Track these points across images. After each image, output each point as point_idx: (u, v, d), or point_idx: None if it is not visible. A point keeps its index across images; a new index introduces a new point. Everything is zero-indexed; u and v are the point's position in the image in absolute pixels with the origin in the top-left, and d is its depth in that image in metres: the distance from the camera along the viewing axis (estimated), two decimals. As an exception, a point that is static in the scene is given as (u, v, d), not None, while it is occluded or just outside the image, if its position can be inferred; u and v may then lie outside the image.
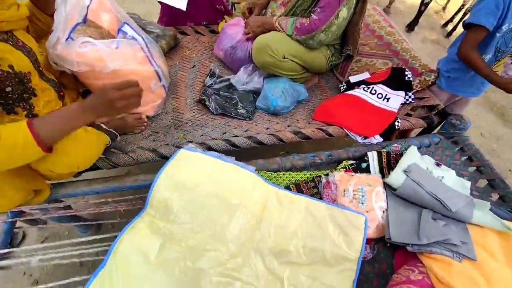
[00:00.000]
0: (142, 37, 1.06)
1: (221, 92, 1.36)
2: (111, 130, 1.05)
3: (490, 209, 0.95)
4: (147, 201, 0.85)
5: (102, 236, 0.87)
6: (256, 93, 1.38)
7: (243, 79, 1.38)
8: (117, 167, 1.04)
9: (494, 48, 1.20)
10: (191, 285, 0.76)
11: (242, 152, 1.15)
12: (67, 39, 0.91)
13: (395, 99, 1.30)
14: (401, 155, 1.11)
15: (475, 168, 1.16)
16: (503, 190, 1.07)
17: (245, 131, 1.22)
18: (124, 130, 1.14)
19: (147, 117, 1.21)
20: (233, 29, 1.43)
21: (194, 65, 1.53)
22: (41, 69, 0.86)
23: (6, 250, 0.79)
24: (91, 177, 1.02)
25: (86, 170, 1.03)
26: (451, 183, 1.05)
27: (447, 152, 1.21)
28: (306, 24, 1.20)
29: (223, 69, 1.49)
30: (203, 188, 0.89)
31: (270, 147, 1.25)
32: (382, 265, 0.93)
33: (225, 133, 1.20)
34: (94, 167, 1.02)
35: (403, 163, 1.06)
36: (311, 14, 1.21)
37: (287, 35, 1.24)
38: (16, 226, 0.93)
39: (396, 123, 1.23)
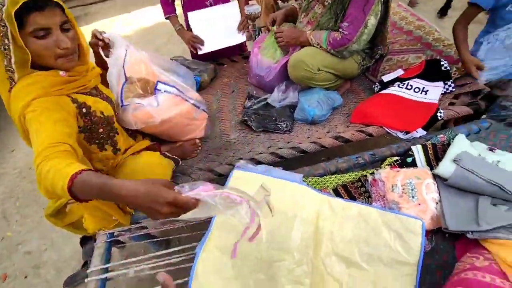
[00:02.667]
0: (174, 87, 1.25)
1: (260, 111, 1.50)
2: (174, 157, 1.25)
3: (560, 189, 0.89)
4: (212, 224, 0.97)
5: (179, 248, 1.03)
6: (292, 107, 1.49)
7: (278, 98, 1.50)
8: (182, 188, 1.22)
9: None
10: None
11: (287, 162, 1.25)
12: (121, 106, 1.10)
13: (434, 91, 1.29)
14: (448, 145, 1.10)
15: (537, 148, 1.09)
16: None
17: (288, 142, 1.32)
18: (183, 155, 1.33)
19: (199, 139, 1.39)
20: (255, 57, 1.55)
21: (233, 90, 1.71)
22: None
23: (110, 264, 0.99)
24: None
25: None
26: (509, 166, 1.01)
27: (501, 135, 1.16)
28: (338, 39, 1.29)
29: (259, 91, 1.64)
30: None
31: (312, 155, 1.33)
32: (443, 256, 0.92)
33: (270, 146, 1.32)
34: (164, 190, 1.21)
35: (451, 152, 1.05)
36: (340, 28, 1.30)
37: (322, 47, 1.33)
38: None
39: (439, 114, 1.23)
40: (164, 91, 1.23)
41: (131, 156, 1.07)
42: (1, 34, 0.71)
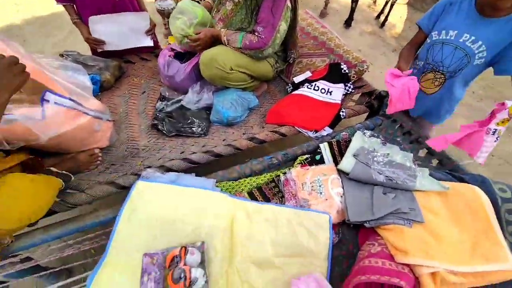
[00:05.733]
0: (67, 99, 1.00)
1: (174, 114, 1.38)
2: (63, 172, 1.03)
3: (430, 174, 1.06)
4: (107, 249, 0.82)
5: (68, 280, 0.84)
6: (208, 109, 1.42)
7: (193, 99, 1.41)
8: (75, 207, 1.02)
9: (425, 57, 1.20)
10: None
11: (205, 167, 1.17)
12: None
13: (337, 92, 1.41)
14: (350, 141, 1.20)
15: (415, 140, 1.28)
16: (440, 155, 1.19)
17: (203, 146, 1.25)
18: (77, 169, 1.12)
19: (102, 150, 1.19)
20: (163, 58, 1.44)
21: (144, 91, 1.54)
22: None
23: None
24: (48, 222, 0.98)
25: (43, 217, 0.99)
26: (395, 157, 1.15)
27: (389, 131, 1.33)
28: (254, 42, 1.27)
29: (173, 92, 1.52)
30: (167, 219, 0.88)
31: (235, 158, 1.29)
32: (349, 246, 0.99)
33: (183, 152, 1.22)
34: (50, 212, 0.99)
35: (352, 148, 1.15)
36: (255, 31, 1.28)
37: (236, 47, 1.29)
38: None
39: (341, 113, 1.33)
40: (55, 103, 0.97)
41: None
42: None
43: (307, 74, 1.50)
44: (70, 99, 1.00)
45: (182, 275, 0.73)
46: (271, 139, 1.24)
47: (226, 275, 0.84)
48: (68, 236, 0.96)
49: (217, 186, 1.04)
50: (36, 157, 1.00)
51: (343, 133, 1.26)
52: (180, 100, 1.43)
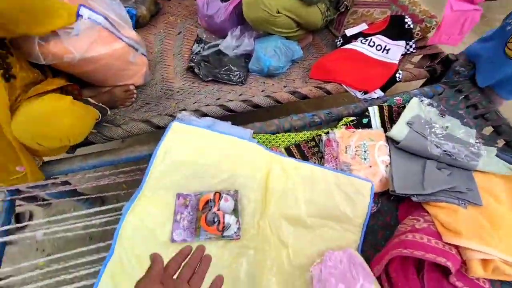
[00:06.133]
0: (102, 16, 0.94)
1: (210, 58, 1.28)
2: (100, 104, 1.01)
3: (496, 155, 0.92)
4: (143, 183, 0.82)
5: (103, 208, 0.86)
6: (247, 56, 1.31)
7: (232, 44, 1.29)
8: (111, 140, 1.01)
9: None
10: None
11: (239, 117, 1.10)
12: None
13: (395, 50, 1.22)
14: (404, 108, 1.06)
15: (481, 115, 1.12)
16: (509, 136, 1.04)
17: (240, 95, 1.17)
18: (113, 104, 1.09)
19: (137, 88, 1.15)
20: None
21: (180, 32, 1.44)
22: None
23: (9, 227, 0.79)
24: (86, 152, 0.99)
25: (80, 146, 1.00)
26: (456, 132, 1.01)
27: (451, 102, 1.16)
28: None
29: (211, 34, 1.40)
30: (201, 163, 0.86)
31: (268, 111, 1.21)
32: (386, 217, 0.92)
33: (219, 98, 1.16)
34: (87, 142, 0.99)
35: (406, 115, 1.02)
36: None
37: None
38: (17, 204, 0.92)
39: (397, 75, 1.17)
40: (88, 18, 0.92)
41: (31, 98, 0.80)
42: None
43: (363, 26, 1.30)
44: (105, 17, 0.94)
45: (216, 219, 0.71)
46: (314, 95, 1.13)
47: (258, 226, 0.82)
48: (104, 167, 0.97)
49: (253, 138, 0.98)
50: (75, 84, 0.98)
51: (397, 97, 1.12)
52: (217, 45, 1.32)
